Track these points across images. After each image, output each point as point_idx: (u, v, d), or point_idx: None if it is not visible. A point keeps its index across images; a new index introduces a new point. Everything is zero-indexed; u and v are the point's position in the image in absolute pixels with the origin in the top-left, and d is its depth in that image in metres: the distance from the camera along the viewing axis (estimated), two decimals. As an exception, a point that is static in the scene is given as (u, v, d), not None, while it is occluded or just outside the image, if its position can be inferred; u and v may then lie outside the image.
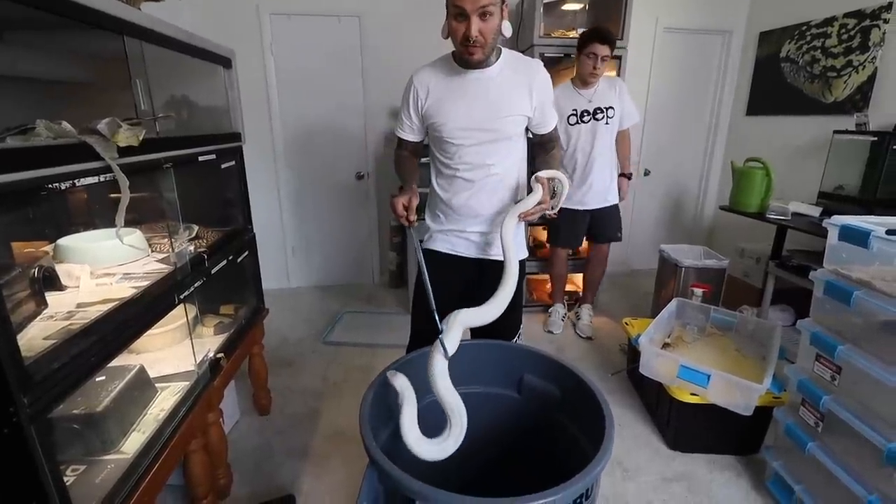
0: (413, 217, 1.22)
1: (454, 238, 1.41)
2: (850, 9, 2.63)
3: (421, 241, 1.27)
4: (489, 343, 1.24)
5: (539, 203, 1.23)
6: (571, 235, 2.68)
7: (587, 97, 2.43)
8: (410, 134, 1.39)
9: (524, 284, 3.05)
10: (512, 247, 1.18)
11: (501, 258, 1.19)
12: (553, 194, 1.32)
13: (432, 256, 1.40)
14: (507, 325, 1.28)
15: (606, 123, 2.44)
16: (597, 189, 2.54)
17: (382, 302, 3.20)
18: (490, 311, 1.10)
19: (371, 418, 0.90)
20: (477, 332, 1.32)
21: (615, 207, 2.64)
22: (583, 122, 2.45)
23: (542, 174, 1.26)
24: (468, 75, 1.26)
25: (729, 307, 2.32)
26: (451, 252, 1.41)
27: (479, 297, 1.29)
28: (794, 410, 1.47)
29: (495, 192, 1.35)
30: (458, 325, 1.03)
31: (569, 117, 2.45)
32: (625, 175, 2.66)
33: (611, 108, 2.43)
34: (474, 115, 1.27)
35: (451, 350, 1.00)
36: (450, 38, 1.21)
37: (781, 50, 3.09)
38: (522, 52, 2.89)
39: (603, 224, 2.64)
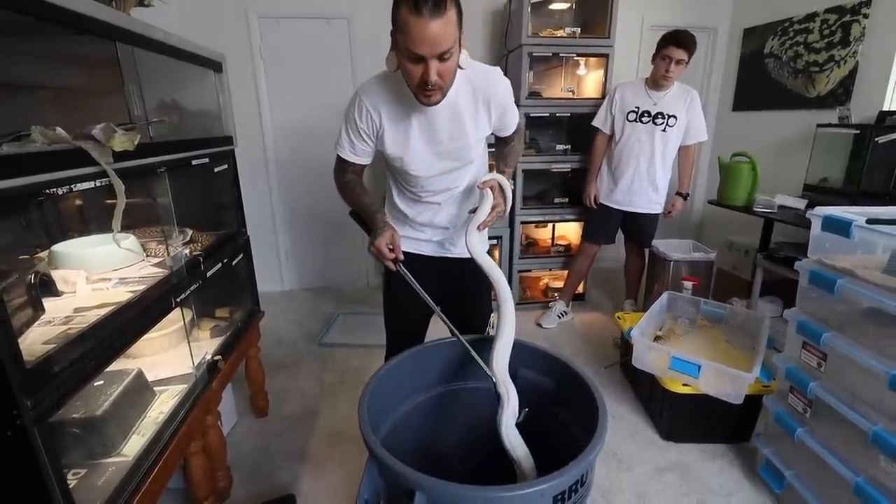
0: (401, 254, 1.17)
1: (418, 243, 1.38)
2: (831, 4, 2.69)
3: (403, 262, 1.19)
4: (485, 339, 1.26)
5: (494, 208, 1.21)
6: (602, 232, 2.69)
7: (654, 99, 2.40)
8: (359, 157, 1.23)
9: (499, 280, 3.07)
10: (492, 264, 1.18)
11: (467, 256, 1.21)
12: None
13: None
14: (479, 315, 1.38)
15: (664, 130, 2.39)
16: (636, 191, 2.52)
17: (377, 303, 3.18)
18: (507, 331, 1.13)
19: (370, 413, 0.92)
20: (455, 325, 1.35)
21: (652, 217, 2.61)
22: (641, 121, 2.42)
23: (486, 181, 1.23)
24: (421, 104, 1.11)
25: (719, 299, 2.36)
26: (416, 252, 1.37)
27: (452, 292, 1.37)
28: (783, 398, 1.51)
29: (461, 205, 1.34)
30: (506, 373, 1.09)
31: (628, 113, 2.43)
32: (680, 194, 2.57)
33: (673, 116, 2.38)
34: (436, 149, 1.19)
35: (514, 401, 1.07)
36: (394, 71, 1.06)
37: (765, 46, 3.14)
38: (510, 52, 2.93)
39: (634, 228, 2.67)
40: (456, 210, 1.34)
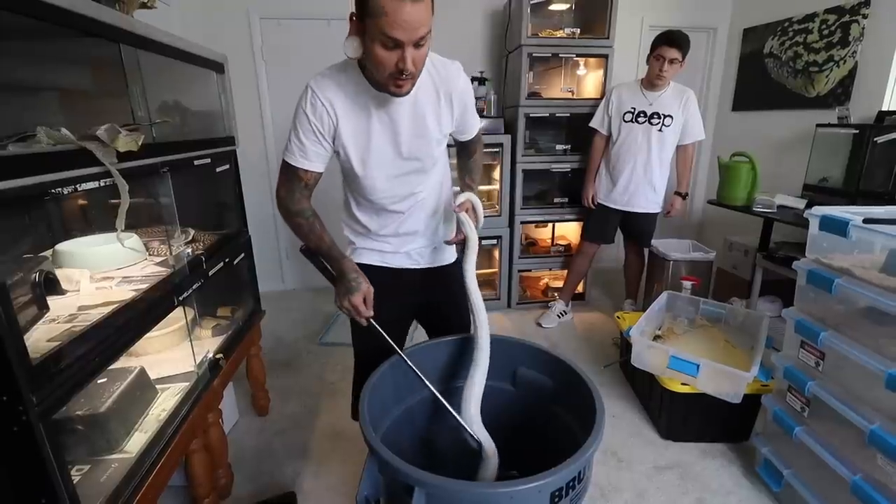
0: (367, 311, 1.09)
1: (383, 255, 1.26)
2: (831, 5, 2.69)
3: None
4: (453, 340, 1.25)
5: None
6: (601, 232, 2.71)
7: (650, 100, 2.41)
8: (312, 162, 1.07)
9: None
10: (482, 307, 1.14)
11: (440, 264, 1.20)
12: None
13: (363, 270, 1.17)
14: (459, 318, 1.32)
15: (660, 130, 2.41)
16: (634, 191, 2.53)
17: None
18: (479, 378, 1.10)
19: (371, 411, 0.93)
20: (434, 333, 1.36)
21: (651, 217, 2.62)
22: (637, 122, 2.43)
23: (461, 203, 1.17)
24: (381, 98, 1.03)
25: (719, 299, 2.37)
26: (382, 264, 1.26)
27: (428, 302, 1.32)
28: (782, 397, 1.51)
29: (424, 209, 1.23)
30: (479, 421, 1.08)
31: (625, 114, 2.45)
32: (679, 193, 2.58)
33: (669, 116, 2.39)
34: (398, 148, 1.09)
35: (489, 445, 1.06)
36: (360, 59, 0.98)
37: (765, 46, 3.15)
38: (510, 52, 2.94)
39: (632, 227, 2.68)
40: (422, 218, 1.23)
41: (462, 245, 1.19)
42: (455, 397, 1.13)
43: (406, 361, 1.09)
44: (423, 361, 1.14)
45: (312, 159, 1.07)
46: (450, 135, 1.20)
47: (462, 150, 1.32)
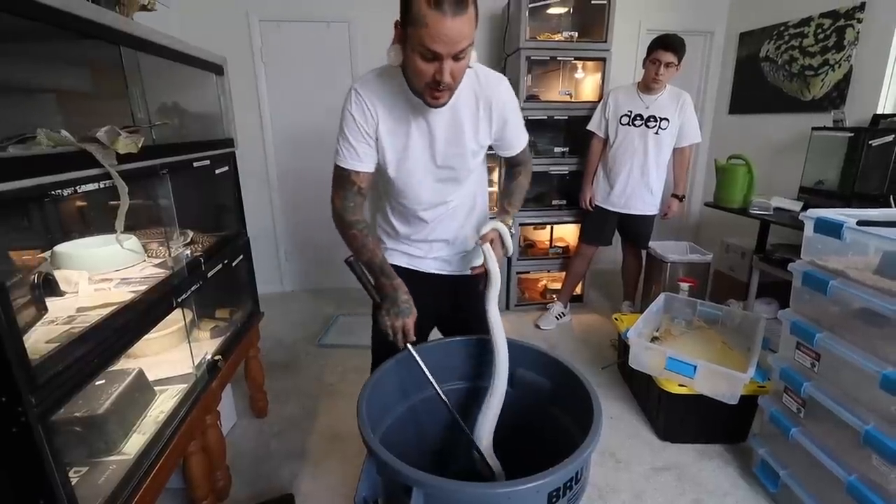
0: (412, 336, 1.08)
1: (412, 258, 1.28)
2: (826, 9, 2.71)
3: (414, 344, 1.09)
4: (482, 339, 1.27)
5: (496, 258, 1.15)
6: (599, 234, 2.72)
7: (646, 103, 2.43)
8: (363, 162, 1.08)
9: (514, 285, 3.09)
10: (503, 340, 1.10)
11: (467, 272, 1.18)
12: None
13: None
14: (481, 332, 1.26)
15: (657, 133, 2.43)
16: (631, 194, 2.55)
17: (376, 304, 3.22)
18: (495, 403, 1.10)
19: (369, 411, 0.93)
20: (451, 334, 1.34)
21: (648, 219, 2.64)
22: (634, 125, 2.45)
23: (485, 234, 1.14)
24: (421, 104, 1.02)
25: (716, 301, 2.38)
26: (411, 267, 1.28)
27: (453, 309, 1.30)
28: (778, 398, 1.52)
29: (455, 219, 1.23)
30: (490, 447, 1.09)
31: (621, 117, 2.47)
32: (676, 196, 2.60)
33: (665, 119, 2.41)
34: (434, 155, 1.10)
35: (498, 472, 1.08)
36: (397, 65, 0.99)
37: (761, 50, 3.17)
38: (508, 55, 2.95)
39: (630, 229, 2.70)
40: (453, 227, 1.24)
41: (485, 278, 1.15)
42: (459, 397, 1.14)
43: (437, 392, 1.08)
44: (434, 358, 1.14)
45: (363, 159, 1.08)
46: (493, 149, 1.20)
47: (507, 171, 1.30)
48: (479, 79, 1.08)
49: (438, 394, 1.08)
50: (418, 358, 1.07)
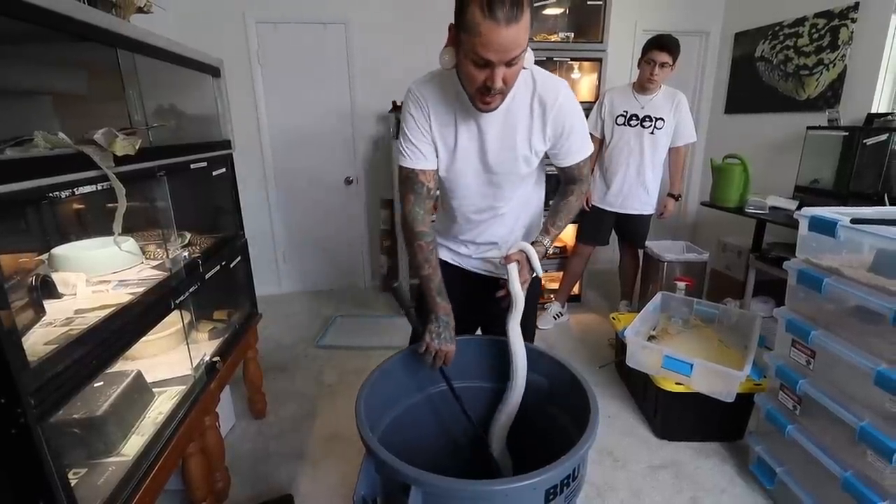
0: (448, 364, 1.10)
1: (458, 256, 1.28)
2: (820, 9, 2.73)
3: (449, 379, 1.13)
4: (481, 339, 1.28)
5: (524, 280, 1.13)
6: (596, 234, 2.73)
7: (642, 103, 2.45)
8: (427, 158, 1.07)
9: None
10: (522, 355, 1.11)
11: (505, 276, 1.15)
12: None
13: None
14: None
15: (652, 133, 2.44)
16: (627, 193, 2.56)
17: (374, 305, 3.22)
18: (510, 409, 1.15)
19: (367, 410, 0.94)
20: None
21: (644, 218, 2.65)
22: (629, 125, 2.47)
23: (511, 254, 1.12)
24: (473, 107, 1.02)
25: (713, 300, 2.39)
26: (456, 263, 1.29)
27: (481, 307, 1.27)
28: (774, 395, 1.53)
29: (504, 225, 1.21)
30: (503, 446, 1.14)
31: (617, 117, 2.49)
32: (672, 195, 2.62)
33: (661, 119, 2.43)
34: (483, 158, 1.08)
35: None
36: (450, 69, 0.98)
37: (756, 50, 3.19)
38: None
39: (627, 229, 2.71)
40: (501, 233, 1.21)
41: (507, 298, 1.13)
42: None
43: (472, 423, 1.14)
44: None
45: (428, 157, 1.07)
46: (549, 161, 1.16)
47: (561, 188, 1.24)
48: (535, 82, 1.04)
49: (464, 411, 1.13)
50: (454, 391, 1.11)
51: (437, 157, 1.08)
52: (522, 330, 1.13)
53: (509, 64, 0.88)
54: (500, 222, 1.20)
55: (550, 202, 1.25)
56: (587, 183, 1.23)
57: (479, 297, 1.26)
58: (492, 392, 1.24)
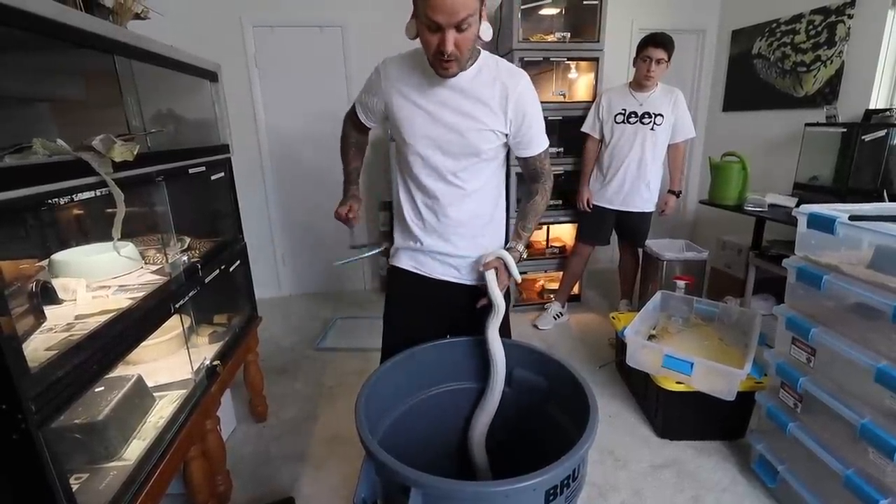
0: (354, 216, 1.29)
1: (421, 256, 1.26)
2: (817, 6, 2.73)
3: (363, 247, 1.31)
4: (479, 340, 1.27)
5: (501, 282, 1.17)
6: (596, 233, 2.73)
7: (639, 100, 2.46)
8: (365, 118, 1.27)
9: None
10: (500, 352, 1.14)
11: (475, 283, 1.20)
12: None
13: (397, 274, 1.29)
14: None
15: (652, 129, 2.45)
16: (629, 191, 2.56)
17: (374, 307, 3.22)
18: (489, 408, 1.18)
19: (367, 413, 0.94)
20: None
21: (646, 216, 2.65)
22: (629, 122, 2.48)
23: (488, 262, 1.16)
24: (438, 79, 1.09)
25: (714, 298, 2.39)
26: (418, 271, 1.27)
27: (460, 321, 1.27)
28: (775, 393, 1.53)
29: (464, 210, 1.21)
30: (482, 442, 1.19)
31: (616, 115, 2.50)
32: (672, 192, 2.62)
33: (660, 115, 2.43)
34: (439, 124, 1.12)
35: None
36: (413, 38, 1.06)
37: (753, 47, 3.19)
38: (502, 56, 2.95)
39: (628, 227, 2.71)
40: (464, 218, 1.21)
41: (488, 308, 1.15)
42: (450, 399, 1.15)
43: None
44: (430, 360, 1.18)
45: (365, 114, 1.27)
46: (509, 151, 1.23)
47: (526, 188, 1.30)
48: (499, 67, 1.12)
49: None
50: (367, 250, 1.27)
51: (401, 123, 1.16)
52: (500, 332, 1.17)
53: (459, 28, 0.95)
54: (458, 206, 1.20)
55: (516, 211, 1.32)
56: (550, 180, 1.28)
57: (442, 304, 1.27)
58: (480, 393, 1.24)
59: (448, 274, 1.26)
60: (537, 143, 1.20)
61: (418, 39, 1.04)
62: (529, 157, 1.22)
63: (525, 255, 1.27)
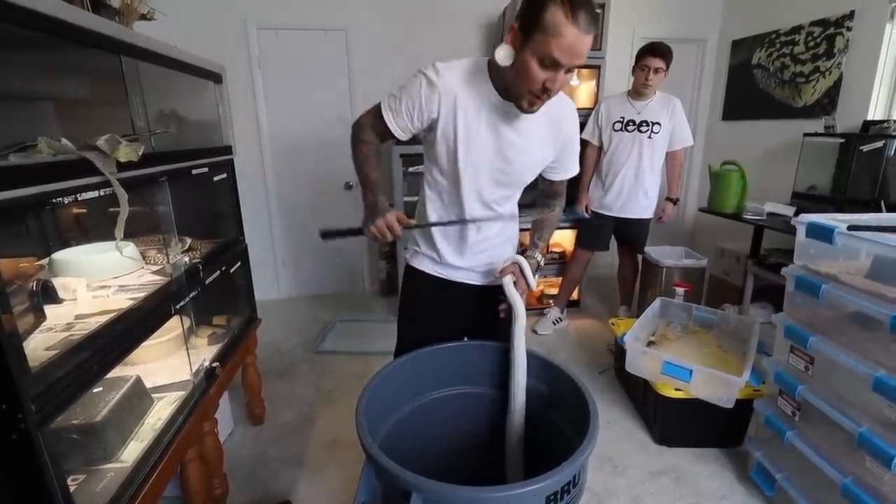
0: (397, 228, 1.09)
1: (441, 265, 1.26)
2: (816, 17, 2.76)
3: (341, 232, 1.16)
4: (481, 344, 1.28)
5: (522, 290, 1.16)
6: (595, 239, 2.75)
7: (638, 109, 2.48)
8: (399, 129, 1.09)
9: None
10: (522, 370, 1.13)
11: (497, 284, 1.17)
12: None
13: (417, 276, 1.28)
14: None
15: (650, 137, 2.47)
16: (627, 198, 2.58)
17: (373, 310, 3.22)
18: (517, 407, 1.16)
19: (367, 417, 0.94)
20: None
21: (644, 223, 2.66)
22: (627, 130, 2.50)
23: (505, 267, 1.16)
24: (499, 108, 1.06)
25: (712, 305, 2.40)
26: (440, 276, 1.27)
27: (481, 323, 1.28)
28: (773, 401, 1.53)
29: (492, 229, 1.22)
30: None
31: (614, 123, 2.52)
32: (670, 199, 2.64)
33: (658, 123, 2.45)
34: (499, 157, 1.10)
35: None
36: (504, 65, 0.97)
37: (753, 57, 3.21)
38: (505, 62, 2.97)
39: (626, 233, 2.72)
40: (490, 234, 1.22)
41: (508, 314, 1.14)
42: (451, 403, 1.15)
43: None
44: (431, 364, 1.17)
45: (404, 129, 1.09)
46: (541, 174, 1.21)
47: (542, 201, 1.30)
48: (555, 99, 1.07)
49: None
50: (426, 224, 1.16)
51: (456, 145, 1.08)
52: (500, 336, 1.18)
53: (569, 70, 0.94)
54: (494, 226, 1.22)
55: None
56: (564, 197, 1.31)
57: (458, 304, 1.28)
58: (489, 398, 1.24)
59: (467, 278, 1.27)
60: (573, 168, 1.22)
61: (484, 59, 1.03)
62: (557, 181, 1.23)
63: (543, 264, 1.27)
